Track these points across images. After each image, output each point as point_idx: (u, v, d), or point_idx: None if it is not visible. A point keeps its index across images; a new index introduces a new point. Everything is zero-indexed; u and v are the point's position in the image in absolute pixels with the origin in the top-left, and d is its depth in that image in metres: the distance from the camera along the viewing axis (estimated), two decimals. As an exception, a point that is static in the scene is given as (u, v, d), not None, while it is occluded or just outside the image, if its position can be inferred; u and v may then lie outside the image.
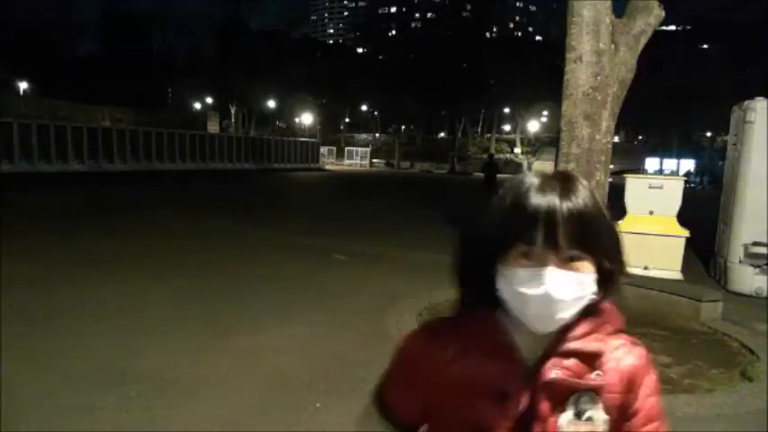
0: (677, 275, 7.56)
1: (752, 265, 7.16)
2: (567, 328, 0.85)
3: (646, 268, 7.54)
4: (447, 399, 0.89)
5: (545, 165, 40.81)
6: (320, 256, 8.60)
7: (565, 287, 0.79)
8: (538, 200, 0.79)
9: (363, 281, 7.20)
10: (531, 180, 0.83)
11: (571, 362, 0.84)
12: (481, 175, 26.11)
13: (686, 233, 7.74)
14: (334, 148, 54.24)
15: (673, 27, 58.02)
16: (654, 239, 7.72)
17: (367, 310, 5.85)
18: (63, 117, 30.99)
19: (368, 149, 56.45)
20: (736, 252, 7.30)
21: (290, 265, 7.89)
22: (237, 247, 9.29)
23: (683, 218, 7.94)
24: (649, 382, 0.90)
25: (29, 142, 21.54)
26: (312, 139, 46.70)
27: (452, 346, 0.89)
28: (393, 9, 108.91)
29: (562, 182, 0.82)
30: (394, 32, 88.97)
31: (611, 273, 0.84)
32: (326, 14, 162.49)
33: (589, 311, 0.85)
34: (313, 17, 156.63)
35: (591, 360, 0.85)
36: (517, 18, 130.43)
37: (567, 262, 0.79)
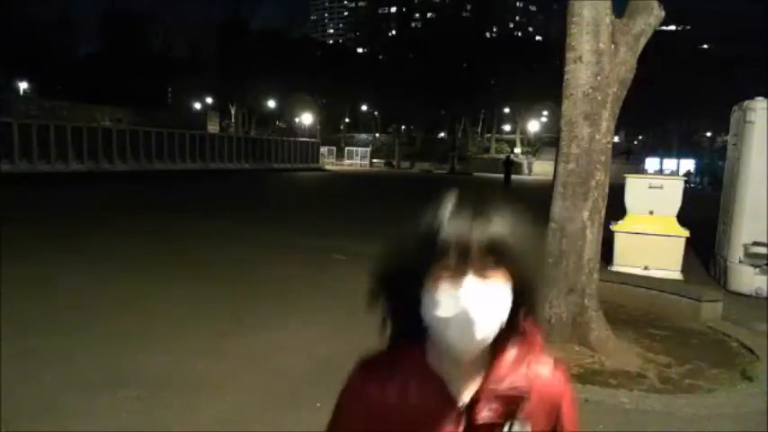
0: (677, 275, 7.56)
1: (752, 265, 7.16)
2: (493, 358, 0.90)
3: (646, 268, 7.54)
4: None
5: (545, 165, 40.78)
6: (320, 256, 8.60)
7: (481, 296, 0.83)
8: (453, 222, 0.86)
9: (363, 281, 7.15)
10: (446, 206, 0.88)
11: (501, 401, 0.90)
12: (482, 174, 27.15)
13: (686, 233, 7.73)
14: (334, 148, 54.18)
15: (673, 27, 58.00)
16: (654, 239, 7.72)
17: (367, 309, 5.83)
18: (63, 117, 30.99)
19: (368, 149, 56.39)
20: (736, 252, 7.29)
21: (290, 266, 7.89)
22: (237, 247, 9.29)
23: (682, 218, 7.94)
24: (570, 404, 0.99)
25: (29, 142, 21.54)
26: (312, 139, 46.69)
27: (388, 388, 0.95)
28: (393, 9, 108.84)
29: (475, 205, 0.88)
30: (394, 32, 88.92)
31: (528, 290, 0.89)
32: (326, 14, 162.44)
33: (512, 333, 0.90)
34: (313, 17, 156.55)
35: (520, 396, 0.91)
36: (517, 18, 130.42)
37: (482, 274, 0.84)
